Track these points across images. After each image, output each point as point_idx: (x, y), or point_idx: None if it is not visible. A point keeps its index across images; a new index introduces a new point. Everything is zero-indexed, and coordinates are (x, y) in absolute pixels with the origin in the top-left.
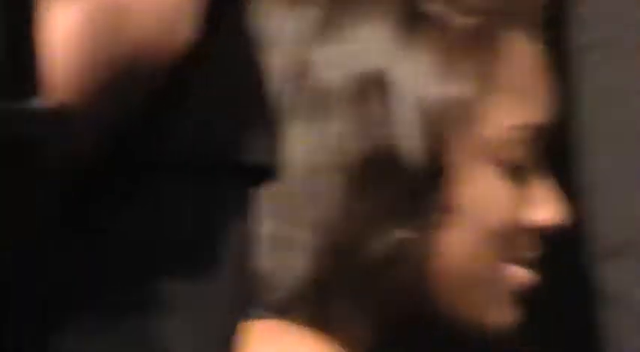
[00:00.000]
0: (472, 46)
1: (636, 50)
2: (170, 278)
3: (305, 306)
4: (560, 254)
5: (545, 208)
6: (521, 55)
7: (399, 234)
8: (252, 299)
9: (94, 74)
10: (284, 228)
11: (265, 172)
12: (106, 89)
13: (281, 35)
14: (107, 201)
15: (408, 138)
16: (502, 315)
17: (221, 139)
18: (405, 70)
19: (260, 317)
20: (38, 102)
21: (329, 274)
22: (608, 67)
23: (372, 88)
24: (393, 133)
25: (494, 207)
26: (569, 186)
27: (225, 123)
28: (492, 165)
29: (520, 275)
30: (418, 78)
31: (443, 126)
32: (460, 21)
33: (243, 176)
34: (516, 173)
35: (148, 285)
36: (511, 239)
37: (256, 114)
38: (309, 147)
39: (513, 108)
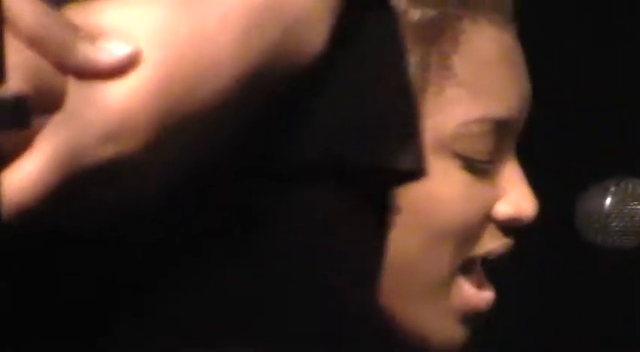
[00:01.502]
0: (426, 38)
1: None
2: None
3: None
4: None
5: (509, 202)
6: (483, 47)
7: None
8: None
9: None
10: None
11: (404, 173)
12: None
13: None
14: (248, 218)
15: None
16: (447, 331)
17: (352, 143)
18: None
19: None
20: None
21: None
22: None
23: None
24: None
25: (450, 204)
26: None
27: (357, 128)
28: (448, 159)
29: (471, 294)
30: None
31: None
32: (415, 13)
33: (379, 178)
34: (478, 167)
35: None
36: (470, 238)
37: (393, 115)
38: None
39: (471, 102)
